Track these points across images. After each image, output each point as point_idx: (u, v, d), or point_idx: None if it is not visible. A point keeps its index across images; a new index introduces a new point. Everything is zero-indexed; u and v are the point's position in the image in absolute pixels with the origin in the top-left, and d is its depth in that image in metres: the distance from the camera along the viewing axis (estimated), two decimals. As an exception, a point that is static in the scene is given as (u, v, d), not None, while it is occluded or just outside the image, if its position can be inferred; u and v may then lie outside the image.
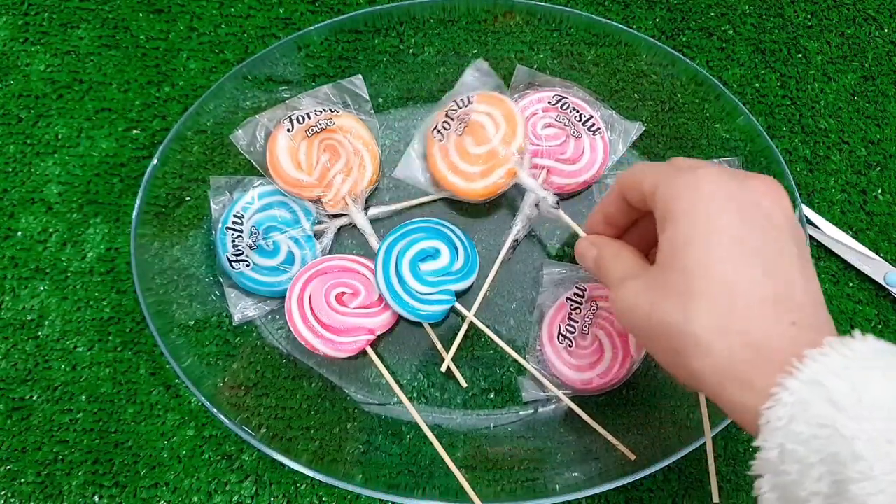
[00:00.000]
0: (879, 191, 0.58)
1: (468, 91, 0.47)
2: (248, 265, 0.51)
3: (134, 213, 0.50)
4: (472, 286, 0.53)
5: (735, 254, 0.31)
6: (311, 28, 0.56)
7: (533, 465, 0.48)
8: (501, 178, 0.46)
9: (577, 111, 0.56)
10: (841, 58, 0.62)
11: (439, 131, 0.46)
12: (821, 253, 0.56)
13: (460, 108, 0.46)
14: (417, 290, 0.50)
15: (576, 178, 0.55)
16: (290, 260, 0.52)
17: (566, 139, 0.55)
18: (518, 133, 0.47)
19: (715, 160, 0.54)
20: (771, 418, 0.27)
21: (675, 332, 0.31)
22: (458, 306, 0.51)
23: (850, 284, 0.56)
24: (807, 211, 0.56)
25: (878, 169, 0.59)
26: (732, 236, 0.31)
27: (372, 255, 0.52)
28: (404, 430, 0.50)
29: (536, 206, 0.54)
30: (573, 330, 0.50)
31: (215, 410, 0.46)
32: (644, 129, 0.57)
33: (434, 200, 0.55)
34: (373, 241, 0.53)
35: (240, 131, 0.53)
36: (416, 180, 0.48)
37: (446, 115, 0.46)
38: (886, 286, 0.55)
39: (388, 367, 0.51)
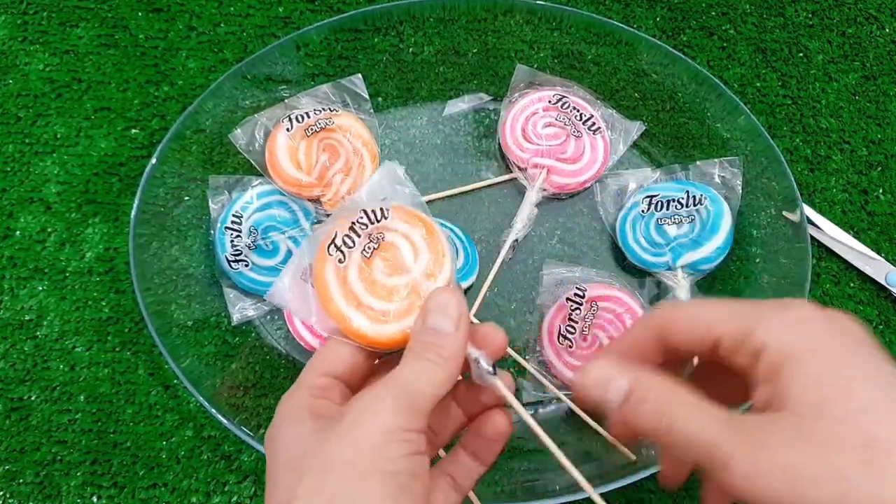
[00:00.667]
0: (881, 191, 0.58)
1: (379, 198, 0.35)
2: (246, 265, 0.51)
3: (132, 213, 0.50)
4: (472, 286, 0.53)
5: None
6: (311, 27, 0.56)
7: (533, 466, 0.48)
8: None
9: (578, 110, 0.55)
10: (842, 57, 0.62)
11: (339, 248, 0.32)
12: (822, 253, 0.56)
13: (372, 221, 0.33)
14: (417, 291, 0.50)
15: (576, 177, 0.54)
16: (288, 260, 0.52)
17: (566, 139, 0.55)
18: (445, 265, 0.33)
19: (716, 160, 0.54)
20: None
21: None
22: (458, 306, 0.51)
23: (852, 285, 0.56)
24: (808, 211, 0.56)
25: (880, 169, 0.59)
26: (880, 377, 0.26)
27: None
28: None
29: (537, 206, 0.54)
30: (573, 331, 0.50)
31: (214, 411, 0.46)
32: (645, 128, 0.57)
33: (433, 200, 0.55)
34: (372, 240, 0.52)
35: (239, 131, 0.53)
36: (297, 309, 0.34)
37: (351, 229, 0.33)
38: (888, 286, 0.54)
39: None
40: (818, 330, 0.27)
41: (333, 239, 0.33)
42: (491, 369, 0.32)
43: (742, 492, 0.25)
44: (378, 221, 0.34)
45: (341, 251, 0.33)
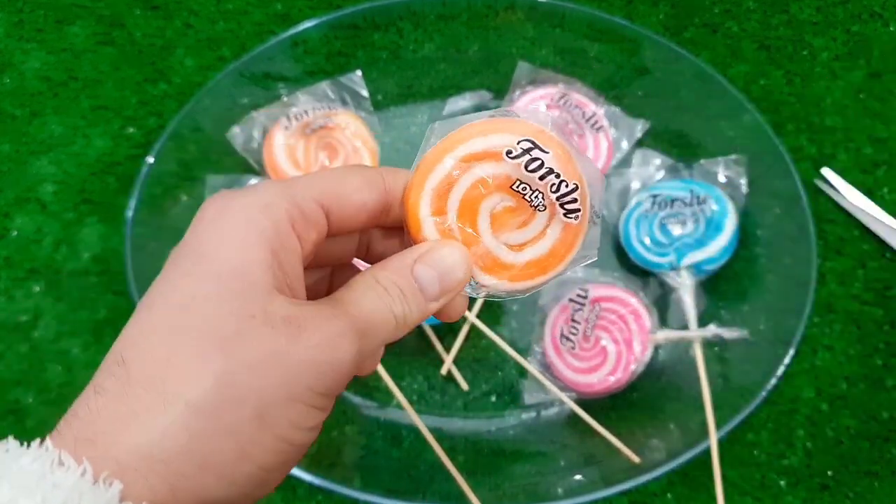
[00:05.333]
0: (886, 189, 0.58)
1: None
2: (245, 265, 0.50)
3: (129, 213, 0.50)
4: (473, 287, 0.52)
5: None
6: (309, 24, 0.55)
7: (535, 469, 0.48)
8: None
9: (580, 108, 0.55)
10: (847, 55, 0.62)
11: (516, 153, 0.25)
12: (827, 253, 0.55)
13: (557, 184, 0.25)
14: (417, 291, 0.49)
15: (578, 176, 0.54)
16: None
17: (569, 137, 0.54)
18: (544, 275, 0.27)
19: (720, 158, 0.53)
20: None
21: None
22: (459, 307, 0.51)
23: (857, 285, 0.55)
24: (833, 178, 0.56)
25: (885, 167, 0.58)
26: None
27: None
28: (404, 433, 0.49)
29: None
30: (576, 332, 0.49)
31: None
32: (648, 126, 0.56)
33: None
34: (372, 240, 0.52)
35: (236, 129, 0.52)
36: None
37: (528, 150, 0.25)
38: None
39: (387, 370, 0.50)
40: None
41: (518, 144, 0.25)
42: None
43: None
44: (560, 194, 0.25)
45: (512, 152, 0.25)
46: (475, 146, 0.25)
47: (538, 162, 0.25)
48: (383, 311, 0.23)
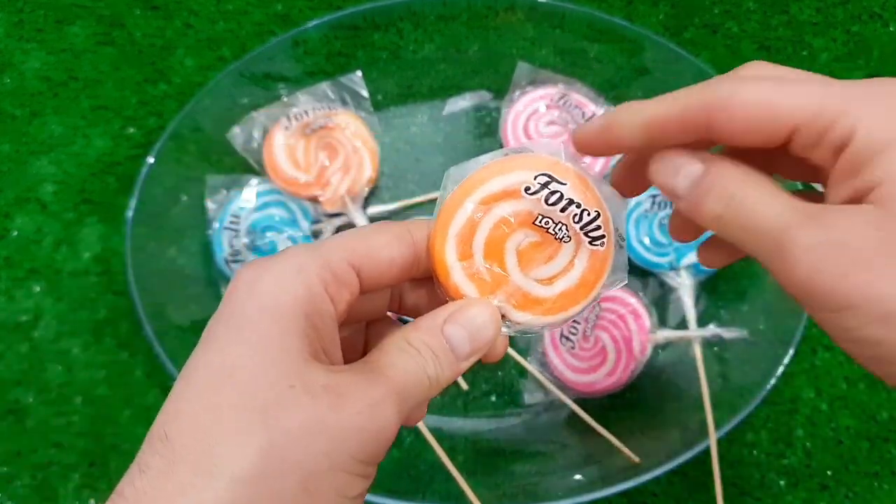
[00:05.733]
0: (886, 190, 0.58)
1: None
2: (245, 265, 0.50)
3: (129, 213, 0.50)
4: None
5: None
6: (310, 24, 0.55)
7: (535, 468, 0.48)
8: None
9: (580, 109, 0.55)
10: (847, 55, 0.62)
11: (532, 190, 0.25)
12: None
13: (580, 223, 0.25)
14: (417, 291, 0.49)
15: (578, 176, 0.54)
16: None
17: (568, 137, 0.54)
18: (574, 307, 0.27)
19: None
20: None
21: None
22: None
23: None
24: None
25: (885, 167, 0.58)
26: None
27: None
28: (404, 433, 0.50)
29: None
30: (576, 331, 0.49)
31: (212, 413, 0.45)
32: (647, 127, 0.56)
33: (434, 199, 0.55)
34: (372, 240, 0.52)
35: (236, 129, 0.52)
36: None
37: (546, 186, 0.25)
38: None
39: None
40: None
41: (534, 180, 0.25)
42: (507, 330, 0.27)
43: (803, 284, 0.21)
44: (583, 223, 0.25)
45: (529, 189, 0.25)
46: (493, 187, 0.25)
47: (557, 195, 0.25)
48: (417, 372, 0.23)
